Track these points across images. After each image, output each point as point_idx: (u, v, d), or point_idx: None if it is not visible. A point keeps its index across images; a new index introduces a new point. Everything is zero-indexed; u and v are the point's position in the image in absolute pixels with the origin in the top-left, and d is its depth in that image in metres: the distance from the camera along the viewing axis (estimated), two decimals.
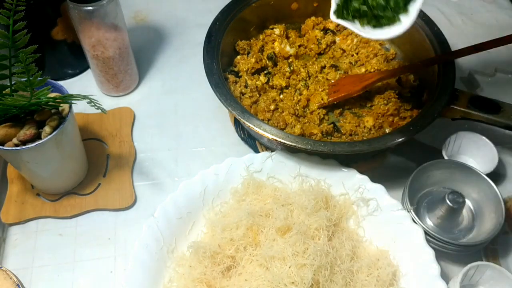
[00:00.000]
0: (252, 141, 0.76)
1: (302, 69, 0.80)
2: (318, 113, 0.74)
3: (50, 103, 0.59)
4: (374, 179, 0.66)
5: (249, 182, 0.66)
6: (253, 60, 0.80)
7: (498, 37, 0.70)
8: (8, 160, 0.66)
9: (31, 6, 0.70)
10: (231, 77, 0.78)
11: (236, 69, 0.81)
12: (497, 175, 0.72)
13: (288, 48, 0.82)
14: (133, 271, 0.58)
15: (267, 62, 0.81)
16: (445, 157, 0.70)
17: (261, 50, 0.83)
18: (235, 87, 0.77)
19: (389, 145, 0.64)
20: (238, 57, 0.82)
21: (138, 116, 0.81)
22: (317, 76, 0.80)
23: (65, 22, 0.78)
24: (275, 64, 0.82)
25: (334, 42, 0.86)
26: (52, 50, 0.81)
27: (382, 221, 0.64)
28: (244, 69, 0.79)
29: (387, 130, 0.73)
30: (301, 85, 0.78)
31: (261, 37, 0.85)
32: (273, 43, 0.83)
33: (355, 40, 0.85)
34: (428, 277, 0.58)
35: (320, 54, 0.85)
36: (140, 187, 0.72)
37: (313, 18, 0.87)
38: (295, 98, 0.76)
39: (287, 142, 0.63)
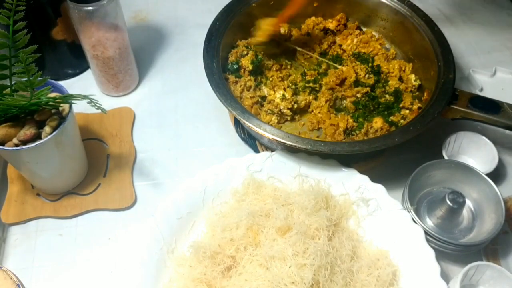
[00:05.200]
0: (252, 141, 0.76)
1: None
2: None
3: (50, 103, 0.59)
4: (374, 179, 0.66)
5: (249, 182, 0.66)
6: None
7: None
8: (8, 160, 0.67)
9: (31, 6, 0.70)
10: (231, 78, 0.78)
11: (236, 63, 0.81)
12: (497, 175, 0.71)
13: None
14: (133, 271, 0.58)
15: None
16: (445, 157, 0.70)
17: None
18: (235, 87, 0.77)
19: (389, 145, 0.64)
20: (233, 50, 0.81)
21: (138, 116, 0.81)
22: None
23: (65, 22, 0.78)
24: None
25: (334, 42, 0.86)
26: (52, 50, 0.81)
27: (382, 221, 0.64)
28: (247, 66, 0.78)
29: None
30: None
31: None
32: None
33: (355, 40, 0.85)
34: (428, 277, 0.58)
35: (321, 54, 0.85)
36: (140, 187, 0.72)
37: (313, 18, 0.87)
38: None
39: (287, 142, 0.63)
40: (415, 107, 0.75)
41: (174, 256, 0.61)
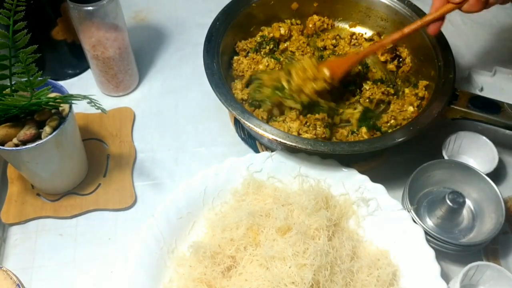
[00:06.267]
0: (252, 141, 0.76)
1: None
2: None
3: (50, 103, 0.59)
4: (374, 179, 0.66)
5: (249, 182, 0.66)
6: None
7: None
8: (8, 160, 0.67)
9: (31, 6, 0.70)
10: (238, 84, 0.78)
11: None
12: (497, 175, 0.71)
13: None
14: (133, 271, 0.58)
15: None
16: (445, 157, 0.70)
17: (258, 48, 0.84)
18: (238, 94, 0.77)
19: (389, 145, 0.64)
20: (235, 57, 0.82)
21: (138, 116, 0.81)
22: None
23: (65, 22, 0.78)
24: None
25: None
26: (52, 50, 0.81)
27: (382, 221, 0.64)
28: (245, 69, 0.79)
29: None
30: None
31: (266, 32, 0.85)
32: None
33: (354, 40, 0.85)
34: (428, 277, 0.58)
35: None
36: (140, 187, 0.72)
37: (315, 16, 0.87)
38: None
39: (287, 142, 0.63)
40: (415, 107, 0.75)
41: (174, 256, 0.61)
